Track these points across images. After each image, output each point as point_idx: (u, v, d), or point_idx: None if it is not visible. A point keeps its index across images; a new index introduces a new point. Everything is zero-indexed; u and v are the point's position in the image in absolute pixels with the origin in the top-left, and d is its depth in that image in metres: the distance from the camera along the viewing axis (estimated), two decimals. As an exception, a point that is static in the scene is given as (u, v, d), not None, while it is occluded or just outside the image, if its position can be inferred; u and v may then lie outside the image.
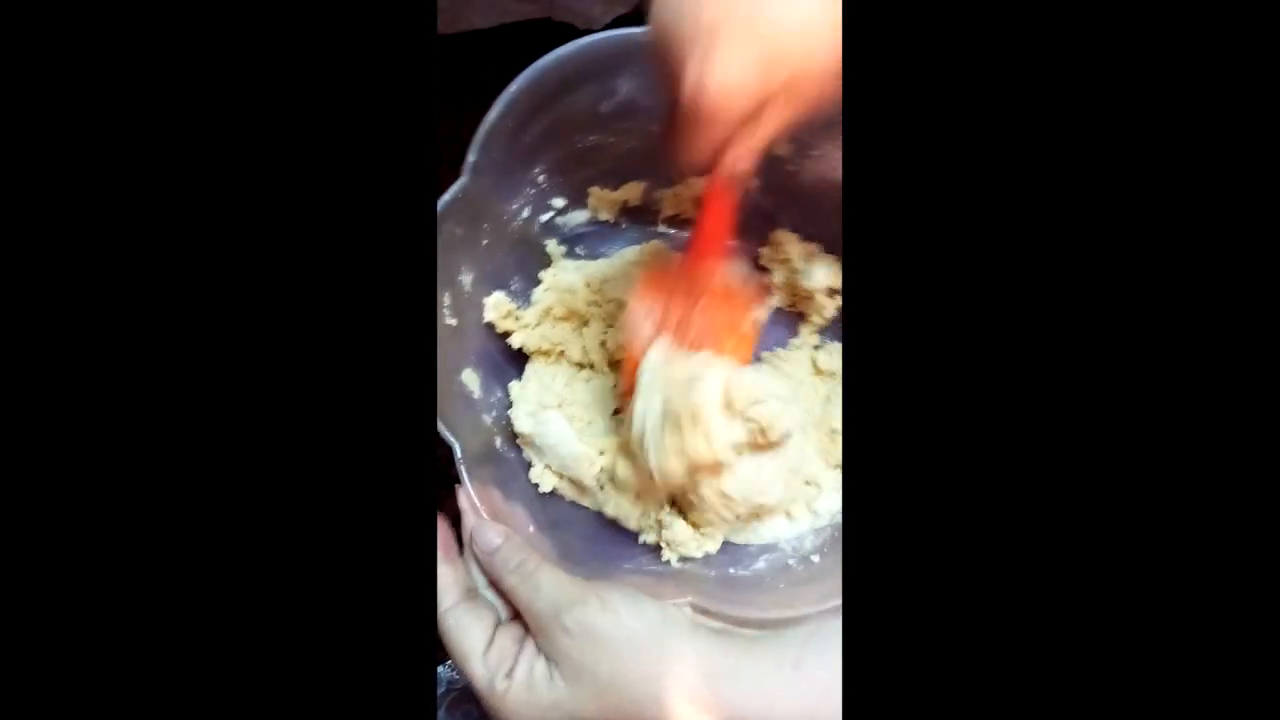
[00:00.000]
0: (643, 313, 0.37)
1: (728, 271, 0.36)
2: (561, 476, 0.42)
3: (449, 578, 0.33)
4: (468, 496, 0.35)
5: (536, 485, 0.42)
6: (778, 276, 0.45)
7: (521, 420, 0.42)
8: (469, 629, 0.31)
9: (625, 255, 0.46)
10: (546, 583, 0.32)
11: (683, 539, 0.39)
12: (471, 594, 0.33)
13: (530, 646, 0.31)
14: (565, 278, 0.44)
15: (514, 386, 0.43)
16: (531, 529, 0.38)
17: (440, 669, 0.43)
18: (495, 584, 0.33)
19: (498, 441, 0.42)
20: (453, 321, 0.40)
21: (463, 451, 0.36)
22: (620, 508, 0.41)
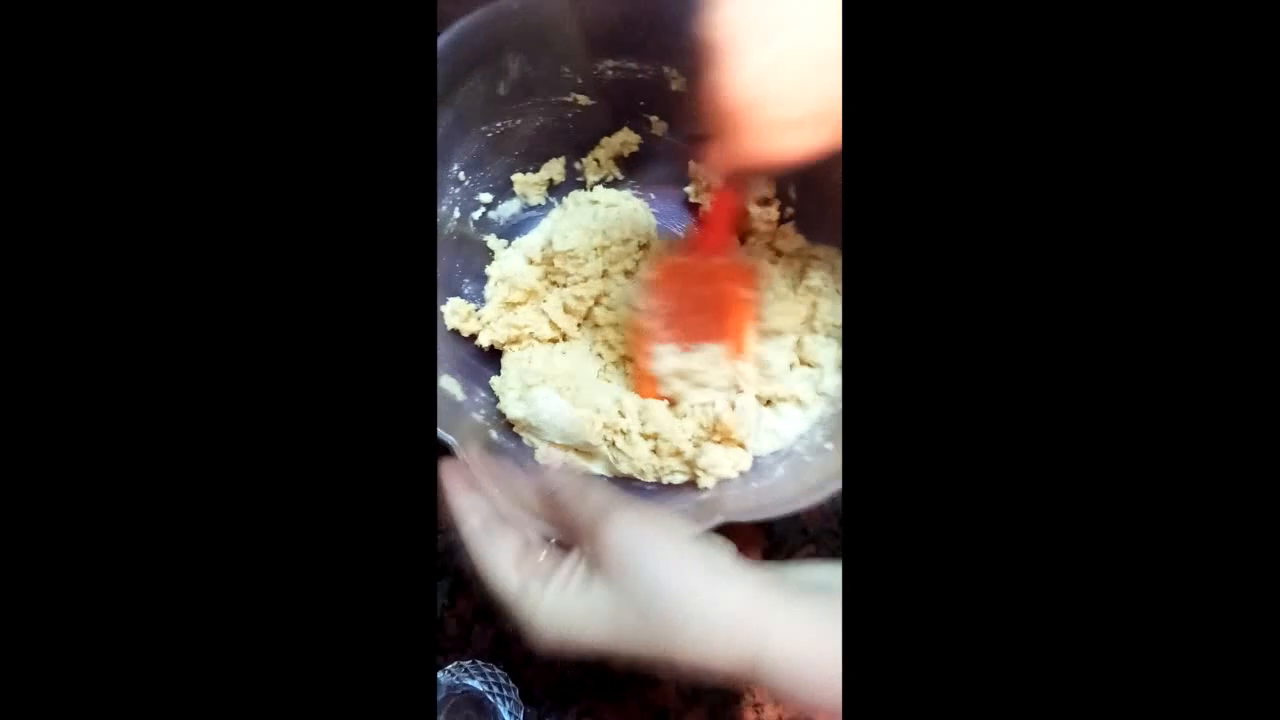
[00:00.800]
0: (649, 314, 0.41)
1: (724, 263, 0.39)
2: (567, 448, 0.42)
3: (468, 504, 0.32)
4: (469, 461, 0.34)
5: (546, 466, 0.42)
6: (709, 205, 0.46)
7: (512, 407, 0.42)
8: (498, 543, 0.30)
9: (553, 215, 0.47)
10: (598, 488, 0.30)
11: (717, 460, 0.40)
12: (495, 516, 0.32)
13: (570, 556, 0.29)
14: (509, 265, 0.45)
15: (495, 381, 0.43)
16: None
17: (440, 675, 0.42)
18: (548, 499, 0.31)
19: (494, 434, 0.42)
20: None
21: (461, 446, 0.36)
22: (634, 463, 0.41)
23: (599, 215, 0.47)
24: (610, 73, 0.42)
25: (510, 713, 0.42)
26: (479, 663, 0.43)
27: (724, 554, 0.29)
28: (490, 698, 0.42)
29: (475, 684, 0.42)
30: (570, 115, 0.44)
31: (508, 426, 0.43)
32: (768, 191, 0.45)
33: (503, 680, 0.42)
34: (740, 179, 0.32)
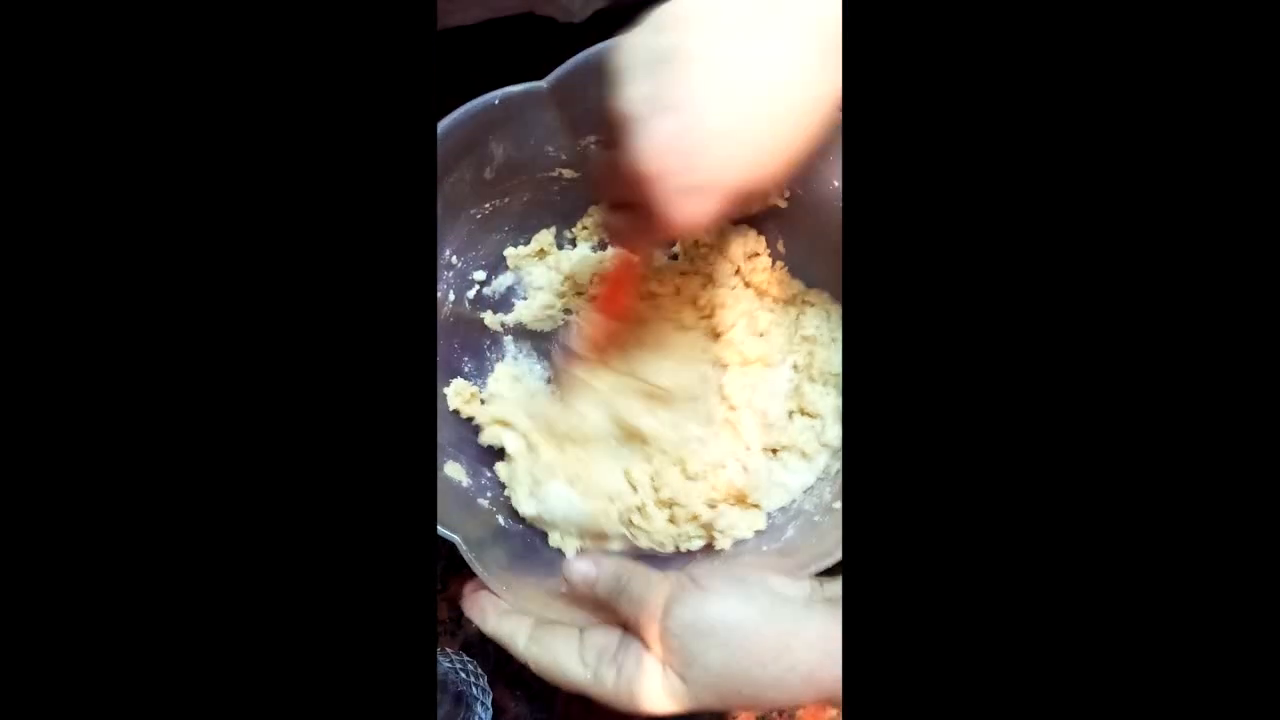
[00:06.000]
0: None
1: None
2: (583, 536, 0.42)
3: (510, 625, 0.33)
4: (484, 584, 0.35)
5: (560, 550, 0.42)
6: (611, 269, 0.46)
7: (524, 504, 0.42)
8: (553, 642, 0.31)
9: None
10: (638, 586, 0.31)
11: (733, 522, 0.40)
12: (541, 622, 0.33)
13: (632, 638, 0.30)
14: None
15: (500, 469, 0.43)
16: (564, 590, 0.39)
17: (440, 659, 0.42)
18: (601, 608, 0.33)
19: (500, 519, 0.42)
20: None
21: (465, 541, 0.35)
22: (653, 536, 0.41)
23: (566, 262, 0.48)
24: (594, 146, 0.43)
25: (479, 699, 0.42)
26: (448, 650, 0.43)
27: (792, 601, 0.29)
28: (466, 685, 0.42)
29: (444, 663, 0.42)
30: (557, 189, 0.45)
31: (514, 512, 0.43)
32: (756, 245, 0.46)
33: (471, 667, 0.42)
34: (642, 246, 0.35)
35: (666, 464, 0.42)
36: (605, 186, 0.33)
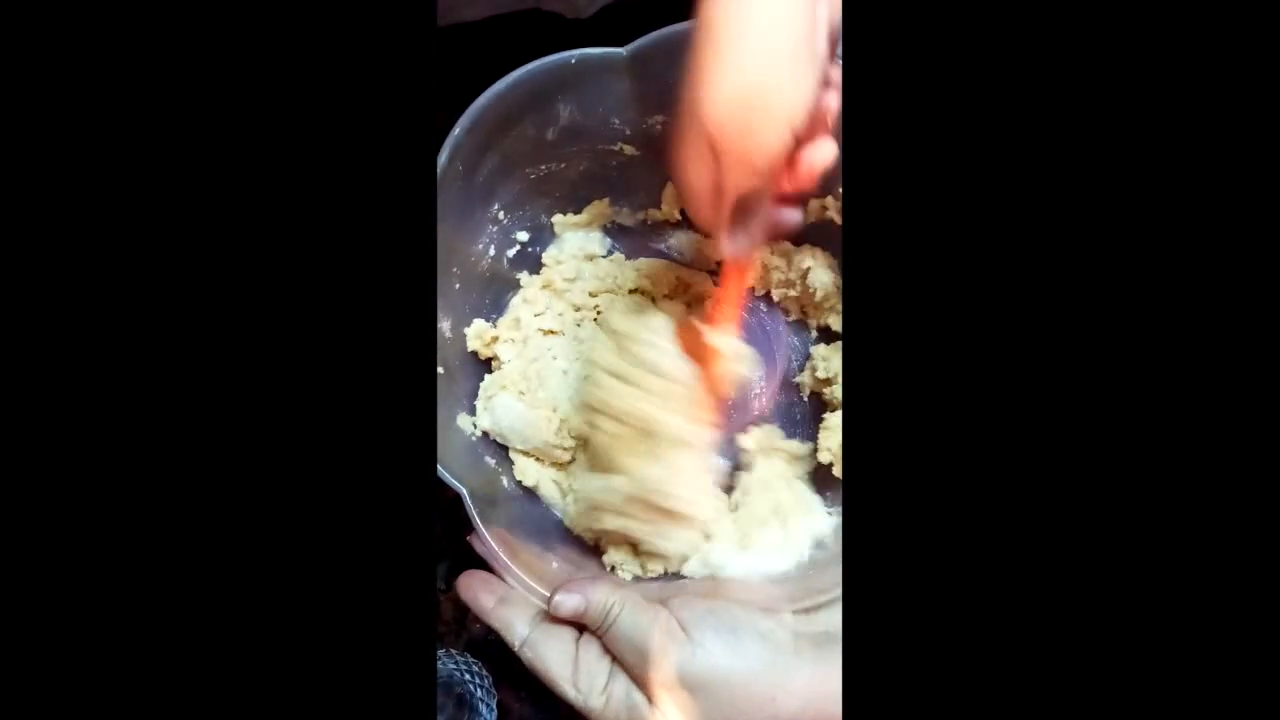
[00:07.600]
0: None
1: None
2: (534, 455, 0.42)
3: (508, 617, 0.33)
4: (486, 545, 0.35)
5: (523, 487, 0.42)
6: (777, 278, 0.46)
7: (481, 418, 0.42)
8: (548, 655, 0.32)
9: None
10: (626, 624, 0.31)
11: (725, 556, 0.40)
12: (537, 619, 0.33)
13: (620, 671, 0.31)
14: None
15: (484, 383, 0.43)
16: (555, 564, 0.39)
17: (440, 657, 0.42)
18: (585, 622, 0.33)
19: (504, 480, 0.42)
20: (439, 370, 0.40)
21: (470, 495, 0.35)
22: (622, 568, 0.41)
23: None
24: (659, 127, 0.42)
25: (484, 701, 0.42)
26: (452, 651, 0.43)
27: (780, 646, 0.30)
28: (469, 687, 0.42)
29: (447, 664, 0.42)
30: (615, 164, 0.45)
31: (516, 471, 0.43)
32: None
33: (475, 668, 0.42)
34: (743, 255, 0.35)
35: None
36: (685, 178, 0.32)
